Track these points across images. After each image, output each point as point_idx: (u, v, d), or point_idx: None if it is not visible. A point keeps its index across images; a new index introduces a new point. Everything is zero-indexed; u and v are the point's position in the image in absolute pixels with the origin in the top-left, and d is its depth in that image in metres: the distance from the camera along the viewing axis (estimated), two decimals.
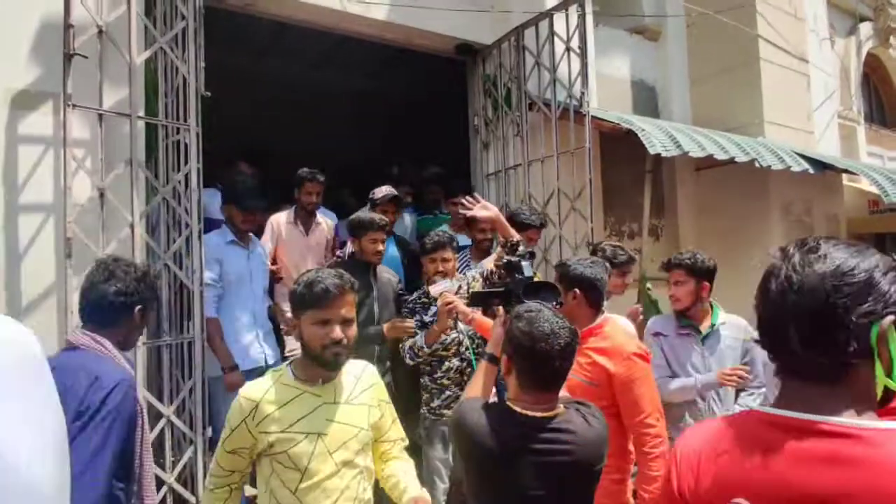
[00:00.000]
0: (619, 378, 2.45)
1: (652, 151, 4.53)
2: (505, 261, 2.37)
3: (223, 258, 3.61)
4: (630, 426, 2.47)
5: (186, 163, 3.28)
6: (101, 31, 2.98)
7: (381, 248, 3.60)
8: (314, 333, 1.87)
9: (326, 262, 4.28)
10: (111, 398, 1.75)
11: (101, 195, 3.00)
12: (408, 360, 3.43)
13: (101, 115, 3.00)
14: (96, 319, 1.98)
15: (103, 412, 1.73)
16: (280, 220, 4.37)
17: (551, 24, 4.59)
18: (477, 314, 3.24)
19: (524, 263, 2.29)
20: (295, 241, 4.36)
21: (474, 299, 2.57)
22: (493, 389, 2.18)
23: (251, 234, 3.83)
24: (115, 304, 1.97)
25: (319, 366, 1.90)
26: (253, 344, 3.65)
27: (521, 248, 2.47)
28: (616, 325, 2.69)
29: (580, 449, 1.76)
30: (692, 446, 1.07)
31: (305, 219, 4.40)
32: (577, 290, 2.53)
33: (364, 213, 3.77)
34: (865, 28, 9.27)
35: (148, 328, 3.09)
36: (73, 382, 1.73)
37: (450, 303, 3.04)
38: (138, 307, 2.02)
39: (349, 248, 3.97)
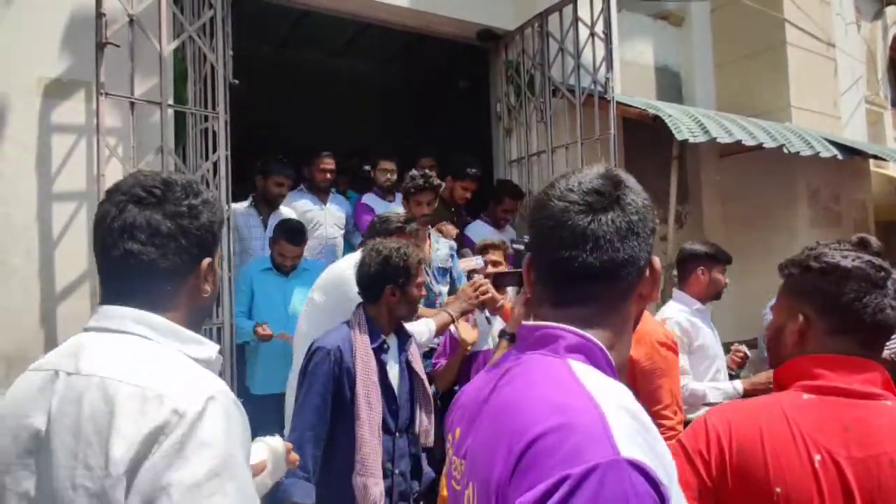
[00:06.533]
0: (640, 365, 2.34)
1: (679, 138, 4.47)
2: (514, 248, 2.33)
3: None
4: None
5: (215, 150, 3.31)
6: (131, 21, 3.01)
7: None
8: None
9: None
10: (310, 364, 2.21)
11: None
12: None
13: (132, 104, 3.03)
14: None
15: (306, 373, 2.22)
16: None
17: (575, 10, 4.53)
18: (506, 301, 3.05)
19: None
20: None
21: (497, 280, 2.48)
22: None
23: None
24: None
25: None
26: None
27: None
28: (646, 313, 2.62)
29: None
30: None
31: None
32: None
33: None
34: (892, 11, 9.05)
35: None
36: None
37: (486, 291, 2.73)
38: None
39: None
